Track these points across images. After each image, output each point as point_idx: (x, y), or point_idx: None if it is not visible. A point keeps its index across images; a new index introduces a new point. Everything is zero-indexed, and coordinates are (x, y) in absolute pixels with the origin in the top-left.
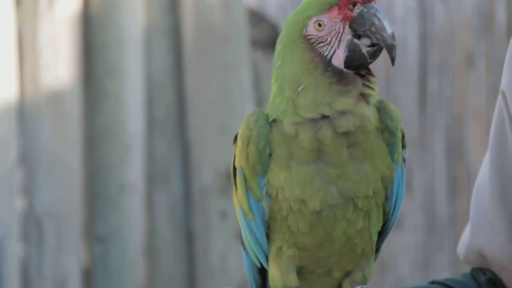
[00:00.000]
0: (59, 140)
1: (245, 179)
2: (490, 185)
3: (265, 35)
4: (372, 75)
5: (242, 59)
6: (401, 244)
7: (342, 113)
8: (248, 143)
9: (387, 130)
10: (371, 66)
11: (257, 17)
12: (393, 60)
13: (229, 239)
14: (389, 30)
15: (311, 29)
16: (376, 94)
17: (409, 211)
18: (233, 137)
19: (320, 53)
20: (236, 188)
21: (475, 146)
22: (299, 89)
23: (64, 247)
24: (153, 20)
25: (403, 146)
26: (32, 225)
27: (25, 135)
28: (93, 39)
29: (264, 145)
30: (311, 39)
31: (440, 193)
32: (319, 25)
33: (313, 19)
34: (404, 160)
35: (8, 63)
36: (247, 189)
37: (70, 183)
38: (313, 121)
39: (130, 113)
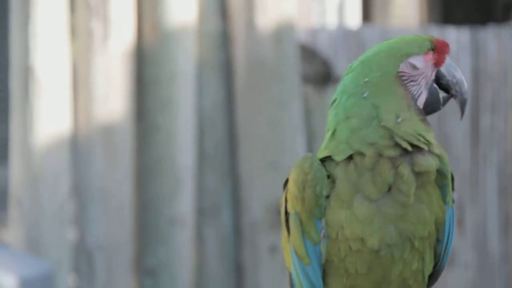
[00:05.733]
0: (110, 173)
1: (301, 223)
2: None
3: (316, 70)
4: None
5: (293, 94)
6: (453, 281)
7: (423, 153)
8: (304, 187)
9: (438, 173)
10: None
11: (308, 53)
12: (463, 113)
13: (279, 273)
14: (466, 85)
15: (406, 67)
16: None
17: (460, 248)
18: (283, 172)
19: (411, 91)
20: (289, 234)
21: None
22: (399, 120)
23: (114, 280)
24: (205, 55)
25: (453, 188)
26: (83, 258)
27: (77, 168)
28: (145, 73)
29: (321, 187)
30: (404, 76)
31: (492, 230)
32: (414, 66)
33: (411, 58)
34: (453, 201)
35: (62, 97)
36: (304, 233)
37: (120, 216)
38: (393, 158)
39: (181, 147)
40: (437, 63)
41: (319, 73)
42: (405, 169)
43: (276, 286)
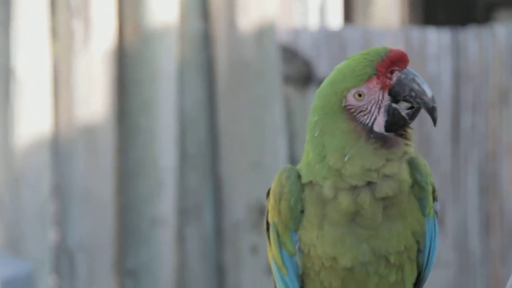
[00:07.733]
0: (92, 174)
1: (278, 234)
2: None
3: (297, 71)
4: (410, 128)
5: (274, 95)
6: (433, 280)
7: (385, 178)
8: (280, 199)
9: (417, 185)
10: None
11: (289, 53)
12: (435, 121)
13: (260, 274)
14: (429, 93)
15: (351, 100)
16: (412, 148)
17: (441, 247)
18: (265, 172)
19: (361, 122)
20: (269, 243)
21: (508, 183)
22: (346, 159)
23: (95, 281)
24: (187, 55)
25: (435, 199)
26: (64, 258)
27: (58, 168)
28: (127, 74)
29: (295, 201)
30: (351, 109)
31: (472, 229)
32: (359, 95)
33: (353, 90)
34: (436, 212)
35: (43, 98)
36: (281, 244)
37: (102, 216)
38: (354, 186)
39: (162, 148)
40: (385, 85)
41: (301, 73)
42: (365, 198)
43: (258, 286)
